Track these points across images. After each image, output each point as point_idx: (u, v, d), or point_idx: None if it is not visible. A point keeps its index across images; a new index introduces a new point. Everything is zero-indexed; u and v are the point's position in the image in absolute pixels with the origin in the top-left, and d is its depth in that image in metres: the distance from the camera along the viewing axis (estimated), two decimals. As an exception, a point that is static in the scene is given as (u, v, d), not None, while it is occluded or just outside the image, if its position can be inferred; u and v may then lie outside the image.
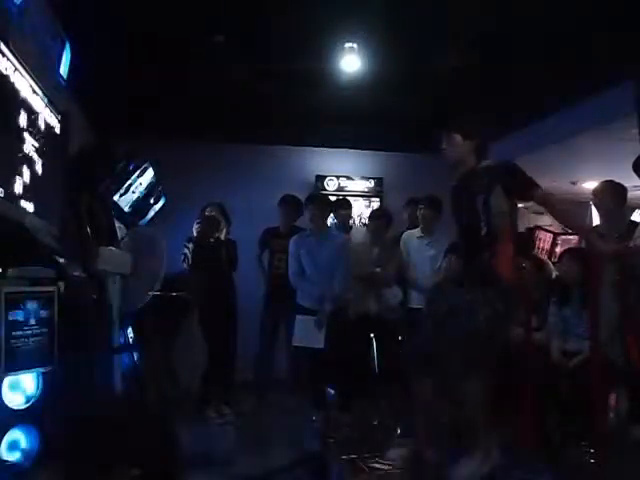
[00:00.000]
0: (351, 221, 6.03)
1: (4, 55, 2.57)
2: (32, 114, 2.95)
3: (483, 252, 3.04)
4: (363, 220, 6.75)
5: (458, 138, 3.19)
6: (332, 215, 5.58)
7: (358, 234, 5.46)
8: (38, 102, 3.04)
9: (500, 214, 3.03)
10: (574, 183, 7.10)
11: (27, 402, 2.37)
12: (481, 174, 3.11)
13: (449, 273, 4.46)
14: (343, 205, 5.65)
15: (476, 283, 2.98)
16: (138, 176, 4.82)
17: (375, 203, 7.11)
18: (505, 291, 3.00)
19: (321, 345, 4.58)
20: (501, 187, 3.02)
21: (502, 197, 3.02)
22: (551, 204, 3.22)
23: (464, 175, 3.21)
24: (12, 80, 2.66)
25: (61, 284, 2.63)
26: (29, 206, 2.88)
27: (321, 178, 7.07)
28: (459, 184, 3.24)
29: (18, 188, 2.74)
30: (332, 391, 5.01)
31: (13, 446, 2.27)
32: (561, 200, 3.31)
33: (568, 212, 3.32)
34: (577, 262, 4.06)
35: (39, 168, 3.02)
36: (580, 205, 6.69)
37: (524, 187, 3.10)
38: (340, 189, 7.06)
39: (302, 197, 5.22)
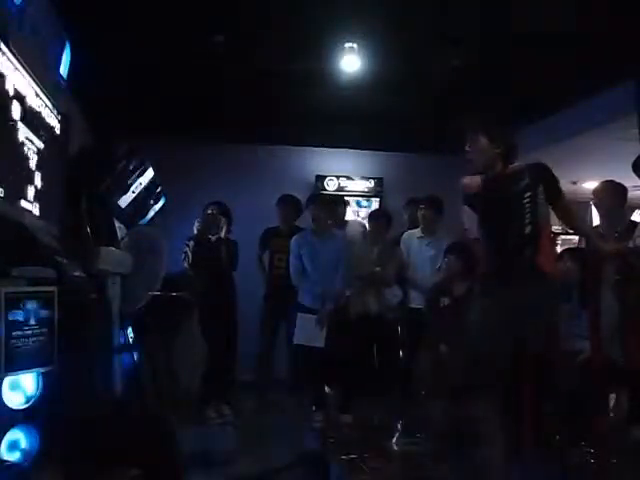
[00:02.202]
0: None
1: (4, 55, 2.56)
2: (32, 114, 2.95)
3: (528, 250, 2.99)
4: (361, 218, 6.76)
5: (484, 141, 3.07)
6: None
7: (354, 228, 5.49)
8: (38, 102, 3.04)
9: (544, 213, 3.02)
10: (574, 183, 7.11)
11: (27, 402, 2.37)
12: (521, 174, 3.04)
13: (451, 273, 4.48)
14: (338, 202, 5.67)
15: (527, 282, 2.96)
16: (138, 176, 4.82)
17: (375, 203, 7.12)
18: (555, 288, 3.05)
19: (322, 344, 4.58)
20: (543, 188, 3.00)
21: (543, 197, 3.01)
22: (573, 216, 3.24)
23: (493, 179, 3.10)
24: (12, 80, 2.66)
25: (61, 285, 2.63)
26: (29, 206, 2.88)
27: (321, 178, 7.07)
28: (488, 187, 3.11)
29: (18, 188, 2.73)
30: (332, 391, 5.02)
31: (13, 446, 2.27)
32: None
33: (584, 222, 3.34)
34: (576, 262, 4.07)
35: (39, 168, 3.02)
36: (580, 205, 6.69)
37: (557, 194, 3.09)
38: (340, 189, 7.06)
39: (302, 197, 5.23)
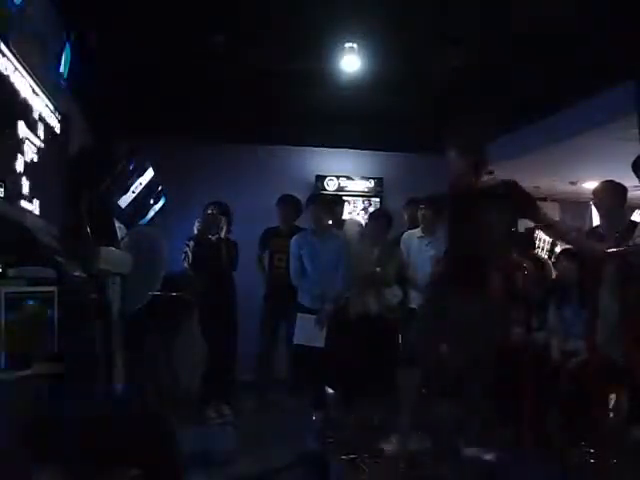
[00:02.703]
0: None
1: (4, 55, 2.57)
2: (32, 114, 2.95)
3: (481, 269, 3.04)
4: (358, 218, 6.77)
5: (453, 154, 3.10)
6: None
7: (351, 227, 5.49)
8: (38, 102, 3.04)
9: (498, 240, 3.03)
10: (574, 183, 7.11)
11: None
12: (483, 195, 3.06)
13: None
14: (336, 202, 5.68)
15: (470, 297, 3.00)
16: (138, 176, 4.83)
17: (375, 203, 7.12)
18: (496, 309, 3.09)
19: (322, 344, 4.58)
20: (515, 207, 3.03)
21: (502, 222, 3.02)
22: (550, 225, 3.28)
23: (463, 191, 3.14)
24: (12, 80, 2.66)
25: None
26: (29, 206, 2.88)
27: (321, 178, 7.07)
28: (458, 199, 3.18)
29: (18, 188, 2.74)
30: (332, 391, 5.02)
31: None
32: (560, 201, 3.33)
33: (564, 229, 3.36)
34: (573, 262, 4.07)
35: (39, 168, 3.02)
36: (580, 205, 6.70)
37: (531, 211, 3.11)
38: (340, 189, 7.05)
39: (302, 197, 5.23)
